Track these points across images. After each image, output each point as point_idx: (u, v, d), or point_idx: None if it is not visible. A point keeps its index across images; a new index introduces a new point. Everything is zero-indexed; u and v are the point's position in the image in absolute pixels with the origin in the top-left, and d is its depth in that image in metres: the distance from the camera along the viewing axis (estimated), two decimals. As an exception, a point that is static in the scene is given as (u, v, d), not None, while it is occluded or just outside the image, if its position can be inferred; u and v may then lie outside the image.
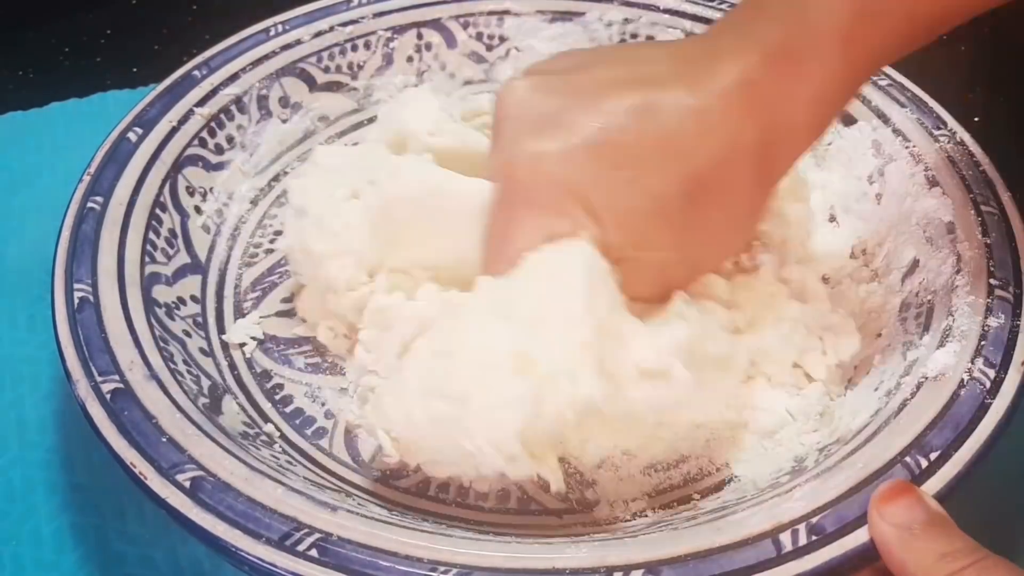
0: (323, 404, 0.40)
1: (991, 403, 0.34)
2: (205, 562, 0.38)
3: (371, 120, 0.52)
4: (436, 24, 0.54)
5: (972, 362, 0.35)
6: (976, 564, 0.28)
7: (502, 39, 0.54)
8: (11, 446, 0.42)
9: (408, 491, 0.37)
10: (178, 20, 0.66)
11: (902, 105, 0.46)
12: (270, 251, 0.47)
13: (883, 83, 0.48)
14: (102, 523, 0.40)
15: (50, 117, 0.57)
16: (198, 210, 0.45)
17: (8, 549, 0.39)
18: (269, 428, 0.39)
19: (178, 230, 0.44)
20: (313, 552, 0.30)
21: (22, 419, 0.43)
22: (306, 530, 0.30)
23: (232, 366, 0.41)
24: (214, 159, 0.47)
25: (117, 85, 0.59)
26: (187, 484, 0.32)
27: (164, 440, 0.33)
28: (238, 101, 0.49)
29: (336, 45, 0.52)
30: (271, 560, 0.30)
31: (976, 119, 0.52)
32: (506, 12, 0.54)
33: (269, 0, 0.53)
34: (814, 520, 0.31)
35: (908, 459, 0.32)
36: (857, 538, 0.30)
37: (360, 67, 0.53)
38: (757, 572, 0.29)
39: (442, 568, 0.30)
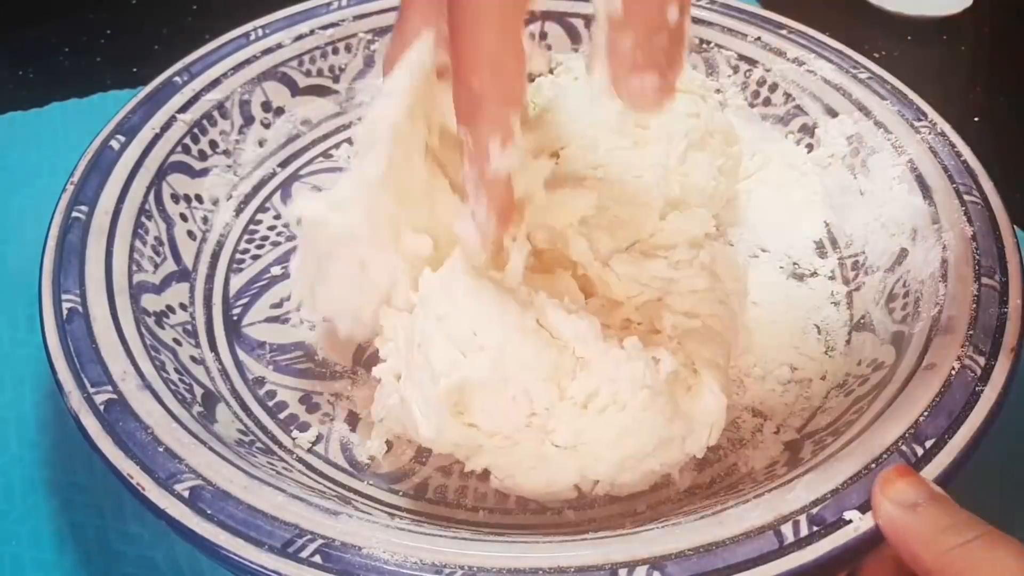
0: (317, 409, 0.40)
1: (982, 390, 0.34)
2: (204, 561, 0.38)
3: (353, 123, 0.52)
4: (416, 25, 0.54)
5: (962, 350, 0.36)
6: (981, 537, 0.28)
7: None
8: (11, 446, 0.42)
9: (406, 494, 0.37)
10: (178, 20, 0.66)
11: (882, 98, 0.47)
12: (257, 257, 0.46)
13: (863, 76, 0.48)
14: (102, 523, 0.40)
15: (50, 117, 0.57)
16: (183, 217, 0.45)
17: (8, 549, 0.39)
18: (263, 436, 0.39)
19: (164, 238, 0.44)
20: (316, 558, 0.30)
21: (22, 419, 0.43)
22: (308, 536, 0.30)
23: (224, 373, 0.41)
24: (198, 165, 0.47)
25: (117, 85, 0.59)
26: (186, 494, 0.31)
27: (161, 450, 0.33)
28: (220, 107, 0.48)
29: (317, 48, 0.52)
30: (275, 568, 0.30)
31: (976, 119, 0.53)
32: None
33: (268, 1, 0.52)
34: (814, 511, 0.31)
35: (904, 447, 0.33)
36: (857, 527, 0.31)
37: (342, 70, 0.52)
38: (760, 564, 0.30)
39: (447, 570, 0.29)
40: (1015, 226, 0.40)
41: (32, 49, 0.63)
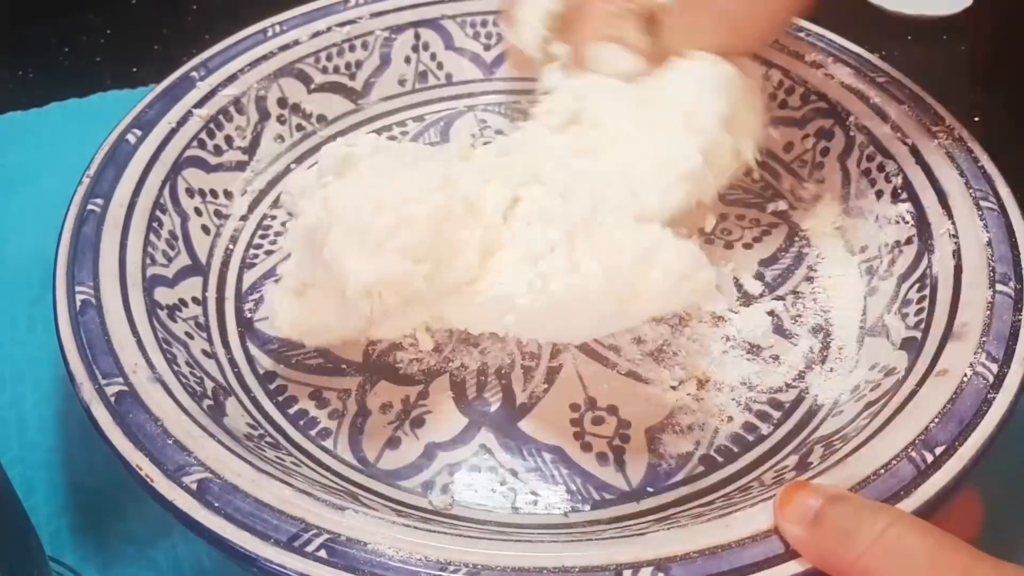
0: (327, 405, 0.40)
1: (994, 397, 0.34)
2: (205, 561, 0.38)
3: (369, 120, 0.53)
4: (433, 24, 0.54)
5: (975, 357, 0.35)
6: (888, 530, 0.27)
7: (499, 38, 0.54)
8: (11, 446, 0.42)
9: (413, 491, 0.37)
10: (178, 20, 0.66)
11: (900, 102, 0.47)
12: (270, 252, 0.46)
13: (881, 80, 0.48)
14: (102, 523, 0.40)
15: (50, 117, 0.57)
16: (198, 212, 0.45)
17: (8, 549, 0.39)
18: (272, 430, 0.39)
19: (178, 232, 0.44)
20: (322, 553, 0.30)
21: (23, 419, 0.43)
22: (314, 531, 0.30)
23: (235, 368, 0.41)
24: (213, 160, 0.47)
25: (117, 85, 0.59)
26: (194, 486, 0.32)
27: (170, 442, 0.33)
28: (236, 102, 0.48)
29: (334, 45, 0.52)
30: (280, 561, 0.30)
31: (976, 119, 0.53)
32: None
33: (268, 2, 0.53)
34: (822, 516, 0.31)
35: (913, 453, 0.32)
36: (865, 533, 0.30)
37: (358, 67, 0.53)
38: (766, 568, 0.29)
39: (452, 567, 0.29)
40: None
41: (32, 49, 0.64)
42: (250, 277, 0.45)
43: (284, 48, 0.51)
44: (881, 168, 0.46)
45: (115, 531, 0.39)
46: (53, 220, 0.41)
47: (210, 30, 0.51)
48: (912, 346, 0.38)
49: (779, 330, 0.43)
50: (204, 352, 0.40)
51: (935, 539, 0.27)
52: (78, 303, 0.37)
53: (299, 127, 0.51)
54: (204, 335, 0.41)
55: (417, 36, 0.54)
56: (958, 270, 0.39)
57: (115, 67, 0.61)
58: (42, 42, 0.64)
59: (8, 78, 0.61)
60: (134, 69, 0.61)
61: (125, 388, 0.34)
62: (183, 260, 0.43)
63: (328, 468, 0.38)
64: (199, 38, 0.50)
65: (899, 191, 0.44)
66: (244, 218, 0.47)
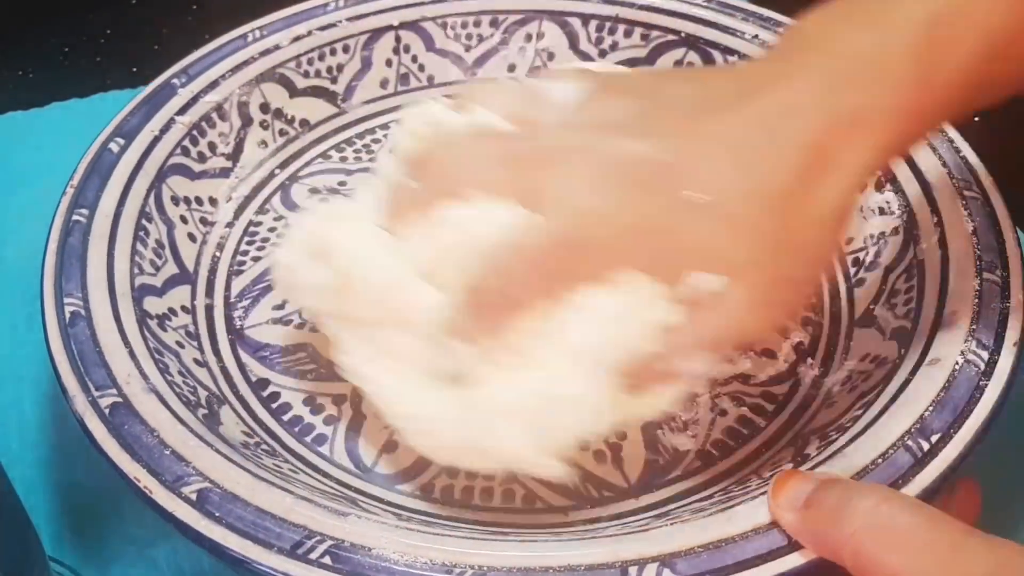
0: (321, 411, 0.40)
1: (986, 384, 0.34)
2: (206, 561, 0.38)
3: (352, 123, 0.53)
4: (414, 26, 0.54)
5: (965, 345, 0.36)
6: (880, 505, 0.27)
7: (480, 39, 0.54)
8: (11, 446, 0.42)
9: (412, 495, 0.37)
10: (178, 20, 0.66)
11: (881, 94, 0.47)
12: (257, 259, 0.46)
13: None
14: (102, 523, 0.40)
15: (50, 117, 0.57)
16: (184, 219, 0.45)
17: (9, 549, 0.39)
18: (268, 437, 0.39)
19: (165, 240, 0.43)
20: (326, 559, 0.30)
21: (22, 419, 0.43)
22: (317, 537, 0.30)
23: (227, 376, 0.41)
24: (197, 167, 0.47)
25: (117, 85, 0.59)
26: (193, 496, 0.31)
27: (167, 453, 0.33)
28: (219, 108, 0.48)
29: (315, 49, 0.52)
30: (284, 569, 0.30)
31: (976, 119, 0.53)
32: (484, 12, 0.54)
33: (268, 1, 0.52)
34: (822, 506, 0.31)
35: (910, 442, 0.33)
36: (865, 522, 0.31)
37: (339, 71, 0.52)
38: (769, 560, 0.30)
39: (457, 569, 0.29)
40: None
41: (32, 49, 0.63)
42: (238, 284, 0.45)
43: (265, 53, 0.50)
44: (864, 160, 0.46)
45: (115, 531, 0.39)
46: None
47: (210, 30, 0.50)
48: (902, 336, 0.39)
49: (769, 323, 0.43)
50: (196, 361, 0.40)
51: (927, 515, 0.27)
52: (67, 315, 0.37)
53: (282, 132, 0.51)
54: (195, 344, 0.41)
55: (398, 39, 0.53)
56: (944, 259, 0.40)
57: (115, 67, 0.61)
58: (42, 42, 0.64)
59: (8, 78, 0.61)
60: (134, 69, 0.60)
61: (119, 399, 0.34)
62: (171, 268, 0.43)
63: (326, 474, 0.38)
64: (199, 38, 0.49)
65: (883, 182, 0.45)
66: (230, 225, 0.47)
